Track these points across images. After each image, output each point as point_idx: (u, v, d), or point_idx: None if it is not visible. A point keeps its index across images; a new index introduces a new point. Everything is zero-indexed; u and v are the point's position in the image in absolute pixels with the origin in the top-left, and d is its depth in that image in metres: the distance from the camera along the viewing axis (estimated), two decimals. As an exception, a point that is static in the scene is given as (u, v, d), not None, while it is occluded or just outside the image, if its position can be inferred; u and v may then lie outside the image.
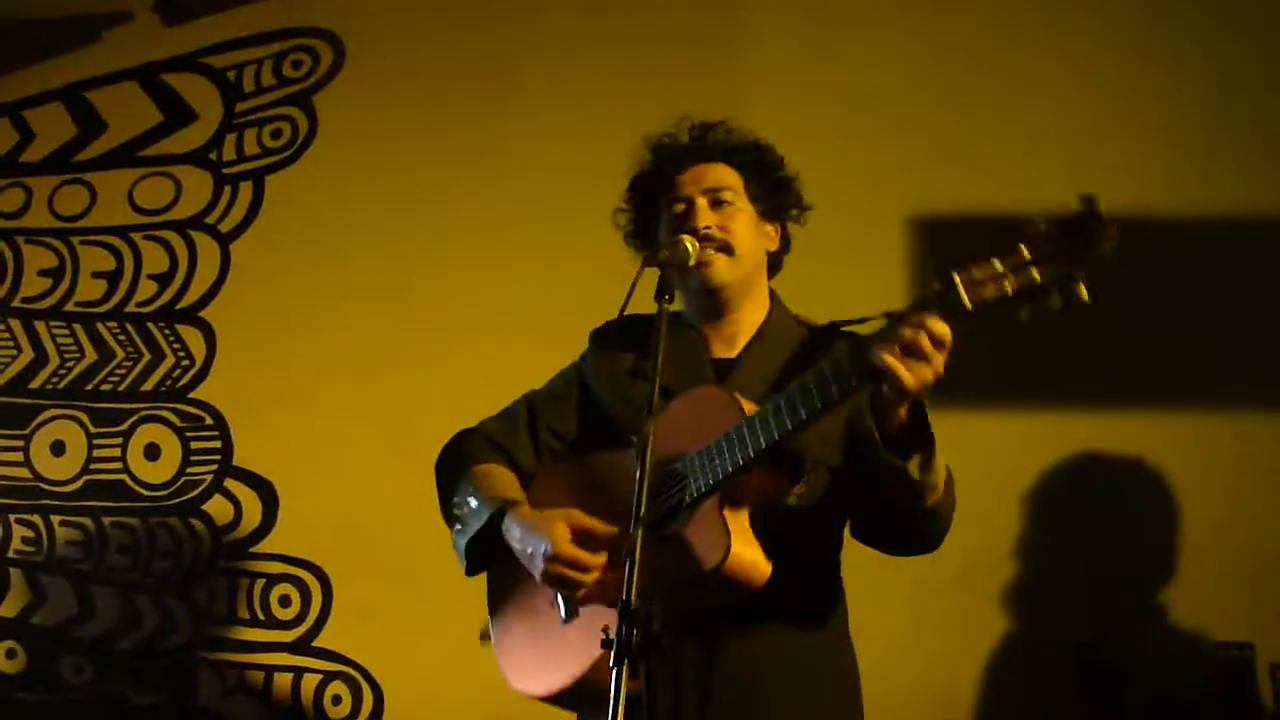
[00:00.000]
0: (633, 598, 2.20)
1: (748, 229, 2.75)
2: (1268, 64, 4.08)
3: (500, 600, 2.85)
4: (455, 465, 2.89)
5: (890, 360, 2.25)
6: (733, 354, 2.77)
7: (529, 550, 2.64)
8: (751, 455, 2.43)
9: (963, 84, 4.18)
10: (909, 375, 2.25)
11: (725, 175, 2.77)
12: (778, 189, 2.81)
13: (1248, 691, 3.77)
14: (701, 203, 2.75)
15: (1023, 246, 2.16)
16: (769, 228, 2.81)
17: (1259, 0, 4.10)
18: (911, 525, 2.52)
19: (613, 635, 2.18)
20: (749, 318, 2.79)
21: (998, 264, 2.18)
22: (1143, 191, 4.04)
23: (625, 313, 2.55)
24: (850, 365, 2.32)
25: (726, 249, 2.72)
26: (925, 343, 2.23)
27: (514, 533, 2.69)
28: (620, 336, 2.83)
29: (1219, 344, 3.95)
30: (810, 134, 4.06)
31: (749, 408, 2.49)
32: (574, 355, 2.98)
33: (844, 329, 2.70)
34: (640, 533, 2.25)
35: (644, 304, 2.58)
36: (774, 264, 2.86)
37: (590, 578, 2.57)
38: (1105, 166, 4.09)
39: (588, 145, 4.28)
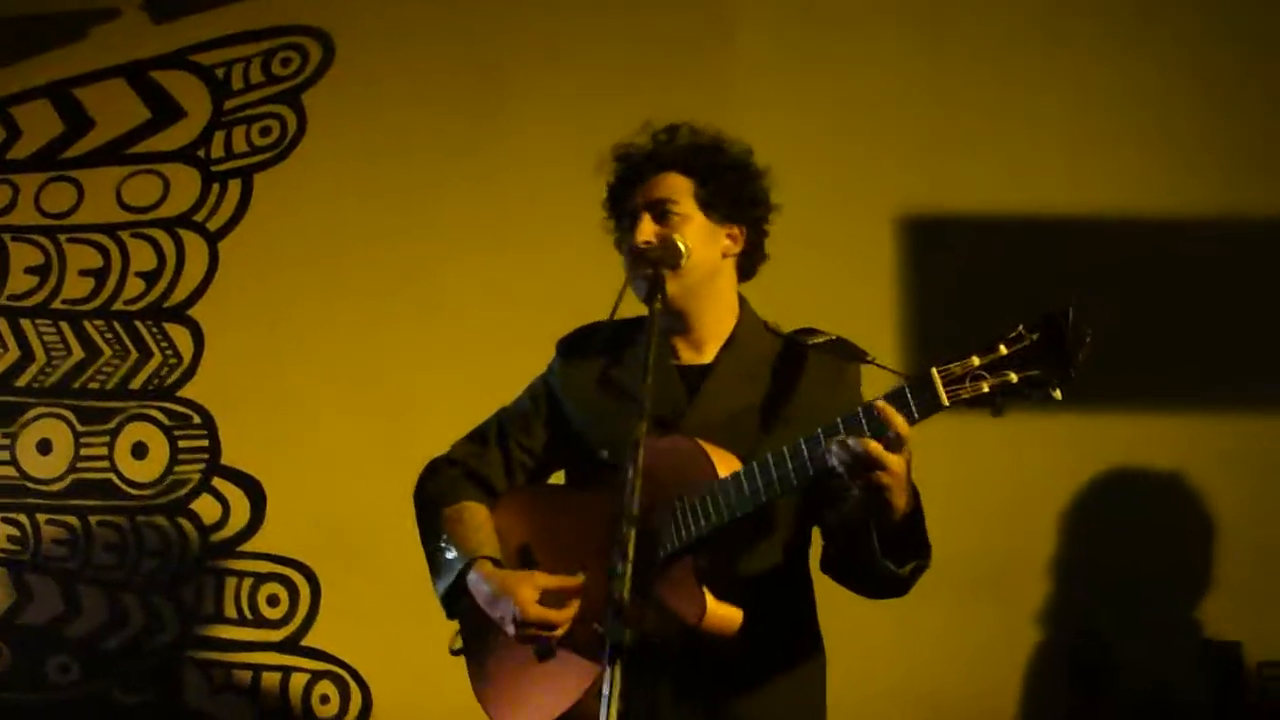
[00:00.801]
0: (624, 596, 2.20)
1: (692, 239, 2.69)
2: (1259, 65, 4.10)
3: (474, 640, 2.89)
4: (430, 505, 2.94)
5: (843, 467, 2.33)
6: (703, 360, 2.76)
7: (498, 614, 2.70)
8: (724, 521, 2.48)
9: (953, 85, 4.18)
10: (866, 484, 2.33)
11: (673, 184, 2.73)
12: (734, 190, 2.75)
13: (1237, 689, 3.78)
14: (645, 217, 2.72)
15: (1002, 346, 2.25)
16: (730, 230, 2.75)
17: (1250, 2, 4.10)
18: (886, 596, 2.58)
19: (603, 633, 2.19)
20: (715, 325, 2.76)
21: (975, 360, 2.26)
22: (1135, 194, 4.07)
23: (614, 317, 2.56)
24: (823, 461, 2.38)
25: (668, 262, 2.66)
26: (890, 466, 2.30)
27: (482, 590, 2.74)
28: (587, 345, 2.84)
29: (1212, 343, 3.96)
30: (800, 134, 4.08)
31: (722, 469, 2.52)
32: None
33: (812, 343, 2.69)
34: (633, 533, 2.25)
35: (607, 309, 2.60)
36: (744, 267, 2.81)
37: (560, 632, 2.65)
38: (1097, 169, 4.11)
39: (578, 144, 4.19)
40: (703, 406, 2.69)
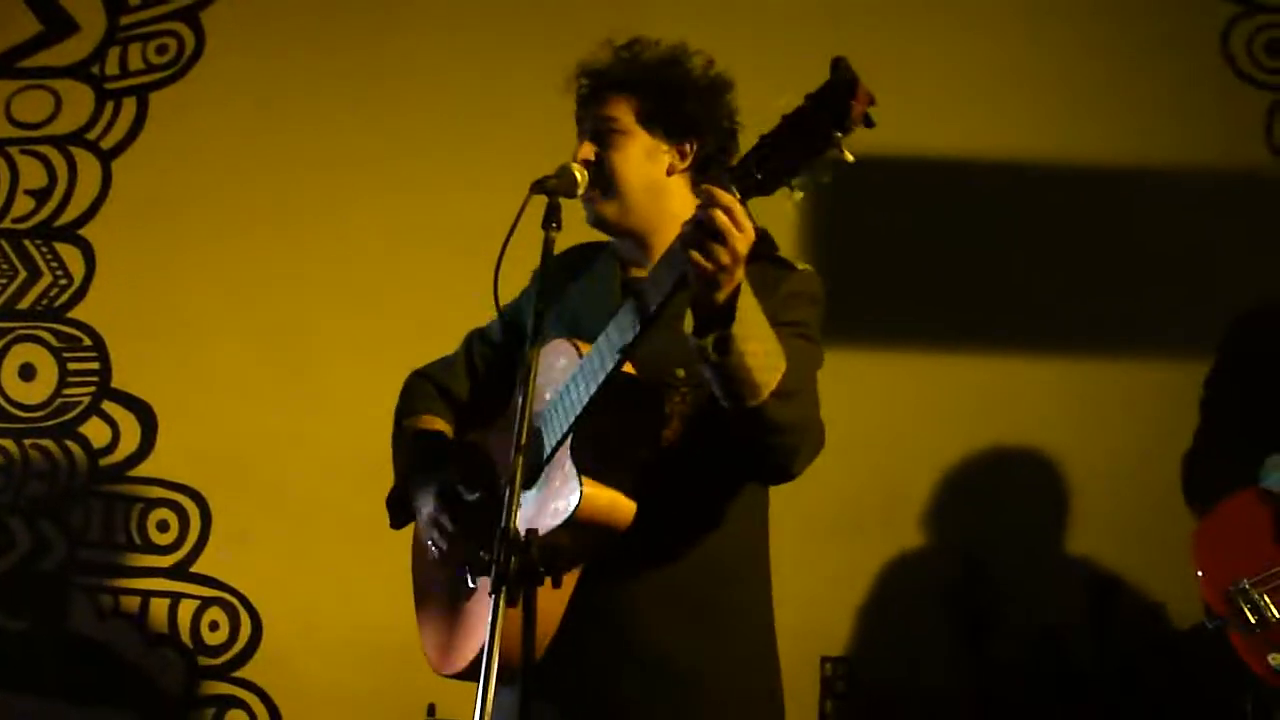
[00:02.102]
0: (512, 525, 2.19)
1: (631, 159, 2.67)
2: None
3: (418, 577, 2.87)
4: (396, 419, 2.94)
5: (693, 255, 2.24)
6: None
7: (416, 504, 2.73)
8: (590, 393, 2.42)
9: (870, 17, 4.18)
10: (706, 262, 2.23)
11: (615, 104, 2.69)
12: (676, 105, 2.69)
13: (1116, 625, 3.89)
14: (585, 138, 2.70)
15: (784, 129, 2.14)
16: (676, 146, 2.69)
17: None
18: (744, 434, 2.42)
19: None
20: (667, 242, 2.71)
21: (764, 149, 2.17)
22: (1039, 135, 4.12)
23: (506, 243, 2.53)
24: (660, 270, 2.34)
25: (603, 185, 2.65)
26: (720, 219, 2.21)
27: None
28: (557, 268, 2.80)
29: (1108, 287, 4.04)
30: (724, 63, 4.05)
31: (585, 348, 2.48)
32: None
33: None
34: (520, 460, 2.24)
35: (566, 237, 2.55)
36: (701, 184, 2.78)
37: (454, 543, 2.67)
38: (987, 110, 4.15)
39: (488, 66, 4.23)
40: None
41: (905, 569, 4.04)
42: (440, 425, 2.89)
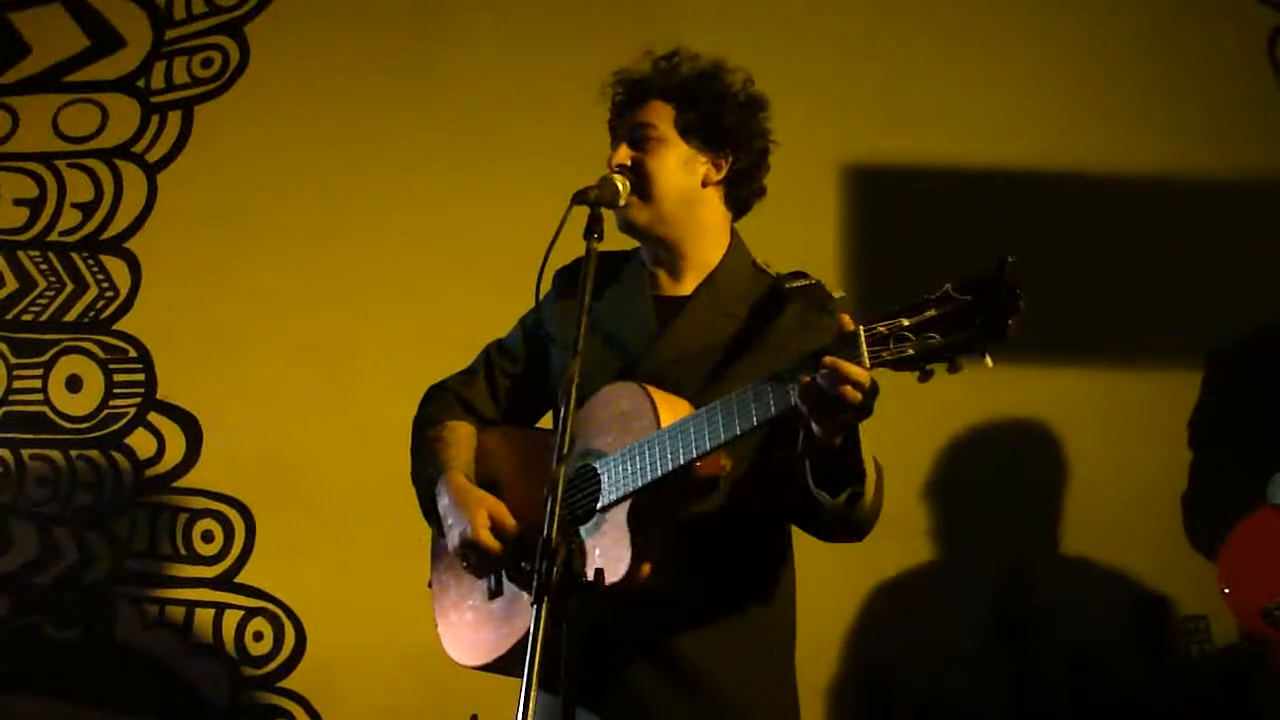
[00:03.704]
0: (553, 535, 2.20)
1: (668, 166, 2.69)
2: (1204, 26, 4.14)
3: (442, 568, 2.87)
4: (418, 429, 2.95)
5: (807, 407, 2.23)
6: (682, 292, 2.73)
7: (449, 525, 2.71)
8: (660, 474, 2.43)
9: (898, 33, 4.19)
10: (828, 424, 2.24)
11: (654, 111, 2.71)
12: (715, 117, 2.70)
13: (1163, 642, 3.84)
14: (622, 143, 2.72)
15: (931, 309, 2.10)
16: (713, 159, 2.71)
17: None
18: (838, 534, 2.54)
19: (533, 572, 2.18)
20: (697, 255, 2.73)
21: (904, 321, 2.12)
22: (1075, 143, 4.09)
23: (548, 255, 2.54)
24: (769, 401, 2.30)
25: (639, 191, 2.67)
26: (844, 391, 2.19)
27: (443, 500, 2.75)
28: (575, 278, 2.79)
29: (1165, 300, 4.01)
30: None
31: (666, 417, 2.47)
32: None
33: (790, 286, 2.64)
34: (563, 471, 2.25)
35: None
36: (734, 200, 2.76)
37: (497, 564, 2.66)
38: (1044, 122, 4.14)
39: (530, 79, 4.25)
40: (671, 340, 2.66)
41: (948, 581, 4.02)
42: (463, 433, 2.87)
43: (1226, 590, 3.16)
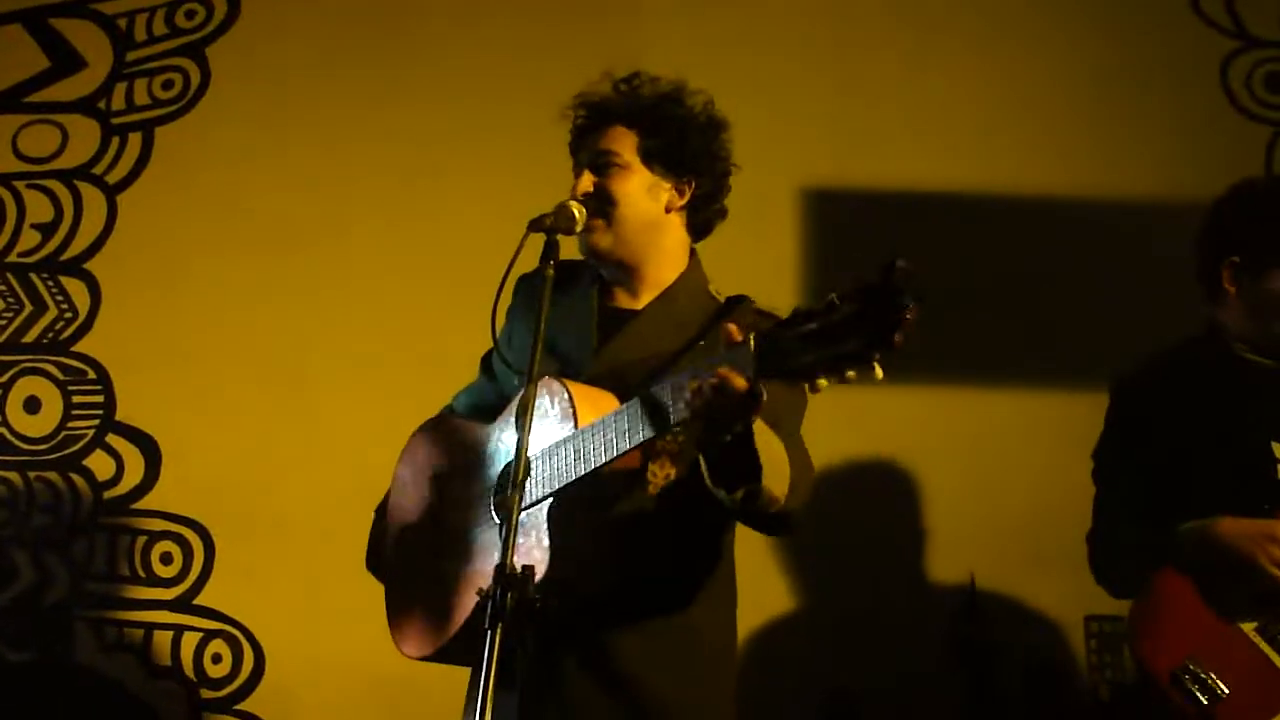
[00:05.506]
0: (510, 561, 2.21)
1: (631, 194, 2.70)
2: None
3: (393, 569, 2.92)
4: (378, 515, 3.04)
5: (691, 412, 2.26)
6: (636, 306, 2.75)
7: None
8: (574, 476, 2.44)
9: (858, 56, 4.22)
10: (713, 428, 2.27)
11: (616, 137, 2.73)
12: (678, 143, 2.72)
13: (1118, 661, 3.86)
14: (585, 171, 2.73)
15: (816, 322, 2.06)
16: (675, 184, 2.73)
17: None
18: (763, 530, 2.59)
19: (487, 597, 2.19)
20: (655, 275, 2.75)
21: (791, 332, 2.09)
22: (1037, 166, 4.13)
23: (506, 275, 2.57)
24: (661, 410, 2.32)
25: (602, 216, 2.69)
26: (726, 399, 2.20)
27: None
28: (530, 287, 2.81)
29: (1111, 319, 4.04)
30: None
31: (586, 414, 2.47)
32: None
33: (726, 302, 2.68)
34: (519, 497, 2.26)
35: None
36: (694, 223, 2.77)
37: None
38: (1003, 145, 4.17)
39: (490, 93, 4.26)
40: (616, 347, 2.69)
41: (908, 601, 4.04)
42: None
43: (1144, 658, 3.06)
